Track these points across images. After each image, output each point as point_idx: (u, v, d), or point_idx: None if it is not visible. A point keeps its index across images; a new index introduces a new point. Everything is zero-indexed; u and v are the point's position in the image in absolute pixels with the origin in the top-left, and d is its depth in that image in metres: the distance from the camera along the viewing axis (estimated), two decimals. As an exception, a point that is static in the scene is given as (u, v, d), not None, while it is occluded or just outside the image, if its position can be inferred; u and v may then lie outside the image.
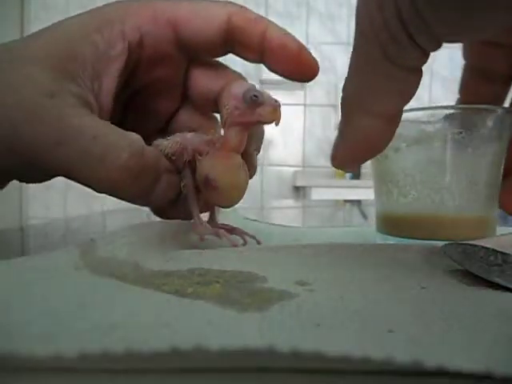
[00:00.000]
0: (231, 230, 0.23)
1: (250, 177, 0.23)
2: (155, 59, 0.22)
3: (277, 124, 0.20)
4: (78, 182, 0.19)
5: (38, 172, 0.20)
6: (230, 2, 0.21)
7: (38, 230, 0.31)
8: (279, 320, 0.11)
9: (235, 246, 0.21)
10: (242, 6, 0.21)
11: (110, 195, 0.20)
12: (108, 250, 0.17)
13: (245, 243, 0.23)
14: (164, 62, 0.22)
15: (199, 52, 0.22)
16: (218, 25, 0.21)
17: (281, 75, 0.21)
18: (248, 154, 0.22)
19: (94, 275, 0.14)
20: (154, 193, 0.21)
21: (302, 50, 0.21)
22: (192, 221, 0.21)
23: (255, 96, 0.19)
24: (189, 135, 0.21)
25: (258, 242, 0.23)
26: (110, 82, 0.20)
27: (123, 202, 0.21)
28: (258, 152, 0.24)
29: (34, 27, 2.30)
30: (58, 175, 0.20)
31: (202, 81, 0.23)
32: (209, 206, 0.23)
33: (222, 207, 0.23)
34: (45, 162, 0.18)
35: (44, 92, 0.18)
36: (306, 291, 0.14)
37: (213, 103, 0.22)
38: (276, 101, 0.20)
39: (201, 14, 0.21)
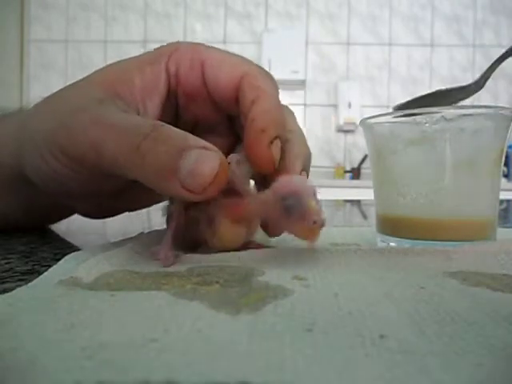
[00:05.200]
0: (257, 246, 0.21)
1: None
2: (189, 94, 0.23)
3: (311, 243, 0.18)
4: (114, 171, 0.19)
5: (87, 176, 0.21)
6: (249, 61, 0.23)
7: (38, 229, 0.31)
8: (271, 323, 0.11)
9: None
10: (259, 67, 0.23)
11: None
12: (102, 260, 0.17)
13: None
14: (197, 99, 0.23)
15: (217, 95, 0.23)
16: (235, 75, 0.22)
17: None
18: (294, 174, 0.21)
19: (86, 290, 0.14)
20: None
21: (268, 148, 0.20)
22: (158, 247, 0.19)
23: (290, 207, 0.17)
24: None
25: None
26: (153, 107, 0.22)
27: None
28: (307, 173, 0.23)
29: (34, 27, 2.30)
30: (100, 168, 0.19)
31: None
32: (196, 240, 0.21)
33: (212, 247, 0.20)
34: (81, 142, 0.19)
35: (94, 100, 0.20)
36: (302, 287, 0.14)
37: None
38: (318, 219, 0.17)
39: (225, 61, 0.23)
